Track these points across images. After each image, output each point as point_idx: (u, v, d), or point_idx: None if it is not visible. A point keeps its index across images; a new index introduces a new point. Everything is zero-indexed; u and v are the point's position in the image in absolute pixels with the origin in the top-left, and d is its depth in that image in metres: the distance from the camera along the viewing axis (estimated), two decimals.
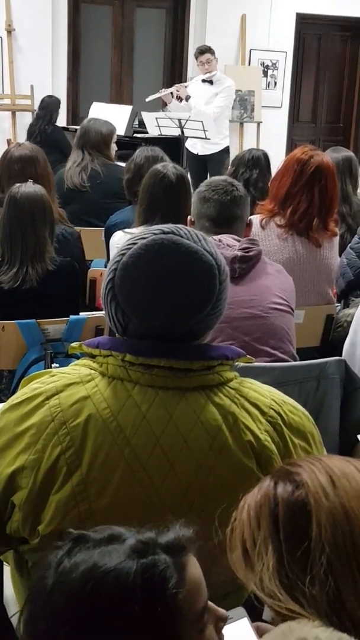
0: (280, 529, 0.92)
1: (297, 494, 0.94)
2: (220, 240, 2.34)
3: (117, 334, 1.38)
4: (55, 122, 7.26)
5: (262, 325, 2.31)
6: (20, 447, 1.30)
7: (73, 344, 1.42)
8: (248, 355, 1.44)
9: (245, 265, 2.33)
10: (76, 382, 1.32)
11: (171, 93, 6.99)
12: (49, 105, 7.24)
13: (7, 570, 1.67)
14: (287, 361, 2.34)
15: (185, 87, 7.05)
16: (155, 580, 0.92)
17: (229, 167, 4.12)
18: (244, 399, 1.35)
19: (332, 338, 3.12)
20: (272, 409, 1.36)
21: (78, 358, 1.96)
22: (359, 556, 0.89)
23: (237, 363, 1.43)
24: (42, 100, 7.37)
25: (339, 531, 0.90)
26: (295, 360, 2.38)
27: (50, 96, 7.44)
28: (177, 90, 6.98)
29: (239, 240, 2.39)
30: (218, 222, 2.44)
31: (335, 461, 0.99)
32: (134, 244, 1.32)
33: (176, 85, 7.21)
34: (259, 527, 0.93)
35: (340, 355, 2.51)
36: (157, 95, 7.07)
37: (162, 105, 7.41)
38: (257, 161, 4.05)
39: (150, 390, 1.30)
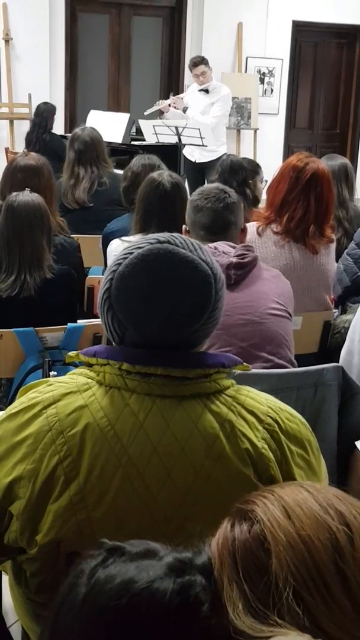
0: (240, 567, 0.92)
1: (252, 531, 0.94)
2: (215, 248, 2.34)
3: (114, 343, 1.38)
4: (51, 129, 7.25)
5: (259, 331, 2.32)
6: (17, 457, 1.30)
7: (70, 353, 1.42)
8: (245, 363, 1.45)
9: (241, 271, 2.34)
10: (73, 391, 1.33)
11: (168, 104, 7.02)
12: (44, 112, 7.21)
13: (5, 579, 1.67)
14: (285, 367, 2.34)
15: (182, 98, 7.07)
16: (191, 601, 0.90)
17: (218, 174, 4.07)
18: (240, 406, 1.35)
19: (330, 344, 3.13)
20: (269, 416, 1.36)
21: (76, 366, 1.97)
22: (328, 583, 0.89)
23: (233, 371, 1.43)
24: (38, 107, 7.34)
25: (300, 561, 0.89)
26: (293, 365, 2.38)
27: (45, 103, 7.40)
28: (174, 102, 7.00)
29: (234, 247, 2.39)
30: (212, 230, 2.45)
31: (288, 490, 0.99)
32: (130, 253, 1.32)
33: (172, 97, 7.24)
34: (223, 570, 0.93)
35: (338, 362, 2.51)
36: (154, 108, 7.10)
37: (159, 113, 7.44)
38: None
39: (147, 398, 1.30)
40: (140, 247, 1.32)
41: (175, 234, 1.36)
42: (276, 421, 1.36)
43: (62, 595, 0.95)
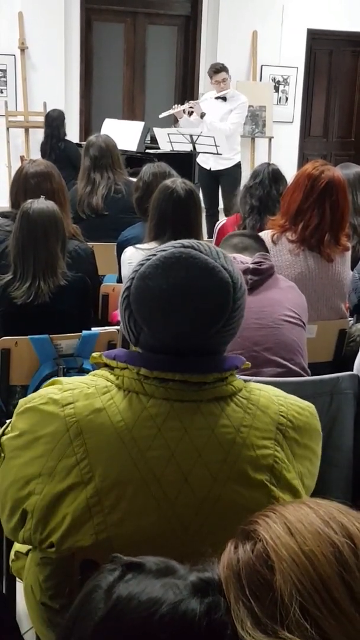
0: (245, 586, 0.91)
1: (255, 550, 0.93)
2: (234, 258, 2.37)
3: (130, 343, 1.39)
4: (65, 135, 7.23)
5: (273, 336, 2.33)
6: (35, 453, 1.31)
7: (94, 354, 1.43)
8: (248, 362, 1.46)
9: (257, 277, 2.37)
10: (92, 393, 1.33)
11: (183, 110, 7.02)
12: (54, 121, 7.14)
13: (20, 586, 1.67)
14: (299, 373, 2.34)
15: (199, 103, 7.07)
16: (218, 622, 0.88)
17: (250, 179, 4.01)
18: (255, 407, 1.36)
19: (345, 352, 3.11)
20: (282, 415, 1.37)
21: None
22: (334, 596, 0.88)
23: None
24: (47, 116, 7.28)
25: (304, 576, 0.89)
26: (306, 373, 2.38)
27: (54, 110, 7.31)
28: (191, 107, 7.00)
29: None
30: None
31: (289, 507, 0.98)
32: (154, 255, 1.34)
33: (189, 102, 7.24)
34: (229, 590, 0.92)
35: (353, 370, 2.50)
36: (170, 112, 7.09)
37: (173, 121, 7.45)
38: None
39: (165, 403, 1.30)
40: (164, 250, 1.33)
41: (202, 241, 1.36)
42: (289, 419, 1.37)
43: (76, 610, 0.92)
